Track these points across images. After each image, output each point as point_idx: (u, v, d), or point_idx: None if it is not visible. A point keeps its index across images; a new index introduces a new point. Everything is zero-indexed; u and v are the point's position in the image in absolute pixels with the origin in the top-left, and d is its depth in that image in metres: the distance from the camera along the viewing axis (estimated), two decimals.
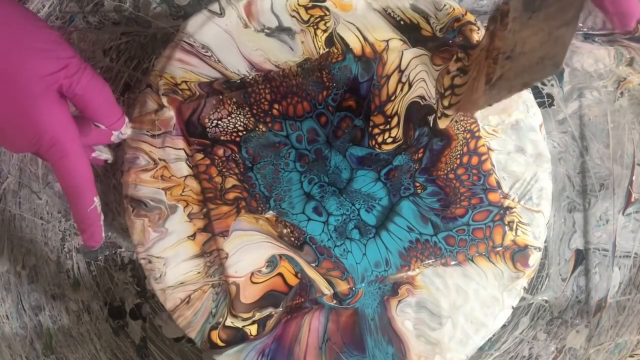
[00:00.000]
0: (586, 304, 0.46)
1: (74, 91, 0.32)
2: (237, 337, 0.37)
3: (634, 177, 0.46)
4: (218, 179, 0.37)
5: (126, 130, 0.36)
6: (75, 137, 0.33)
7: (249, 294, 0.37)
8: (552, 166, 0.40)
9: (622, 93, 0.46)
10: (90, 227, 0.35)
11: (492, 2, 0.46)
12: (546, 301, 0.46)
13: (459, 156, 0.38)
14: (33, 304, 0.44)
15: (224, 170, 0.37)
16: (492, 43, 0.35)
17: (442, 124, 0.38)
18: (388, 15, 0.38)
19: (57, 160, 0.32)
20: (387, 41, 0.38)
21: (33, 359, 0.44)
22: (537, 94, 0.46)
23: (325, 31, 0.38)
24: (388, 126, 0.38)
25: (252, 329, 0.37)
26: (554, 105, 0.46)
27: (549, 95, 0.46)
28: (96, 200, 0.34)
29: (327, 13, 0.38)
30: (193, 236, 0.37)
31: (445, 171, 0.38)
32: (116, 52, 0.44)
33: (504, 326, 0.46)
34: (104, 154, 0.39)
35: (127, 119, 0.36)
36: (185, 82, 0.37)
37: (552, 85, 0.46)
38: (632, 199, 0.46)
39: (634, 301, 0.46)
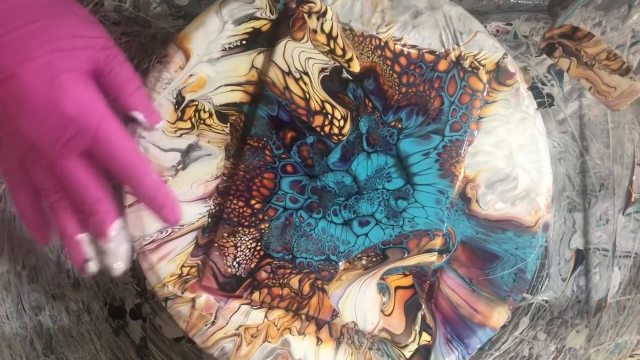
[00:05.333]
0: (586, 304, 0.46)
1: (112, 64, 0.30)
2: (426, 355, 0.38)
3: (634, 177, 0.46)
4: (286, 291, 0.37)
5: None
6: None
7: (396, 323, 0.38)
8: (553, 166, 0.40)
9: None
10: (164, 197, 0.33)
11: (492, 2, 0.46)
12: (546, 301, 0.46)
13: (391, 72, 0.38)
14: (33, 304, 0.44)
15: (281, 281, 0.37)
16: (579, 58, 0.35)
17: (354, 67, 0.37)
18: (230, 50, 0.37)
19: (106, 140, 0.30)
20: (252, 67, 0.37)
21: (33, 359, 0.44)
22: (537, 94, 0.46)
23: (211, 115, 0.37)
24: (329, 116, 0.37)
25: (425, 337, 0.38)
26: (554, 105, 0.46)
27: (549, 95, 0.46)
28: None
29: (196, 102, 0.36)
30: (320, 341, 0.37)
31: (397, 91, 0.38)
32: None
33: (504, 326, 0.46)
34: None
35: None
36: (183, 266, 0.37)
37: (552, 85, 0.46)
38: (632, 199, 0.46)
39: (634, 301, 0.46)
